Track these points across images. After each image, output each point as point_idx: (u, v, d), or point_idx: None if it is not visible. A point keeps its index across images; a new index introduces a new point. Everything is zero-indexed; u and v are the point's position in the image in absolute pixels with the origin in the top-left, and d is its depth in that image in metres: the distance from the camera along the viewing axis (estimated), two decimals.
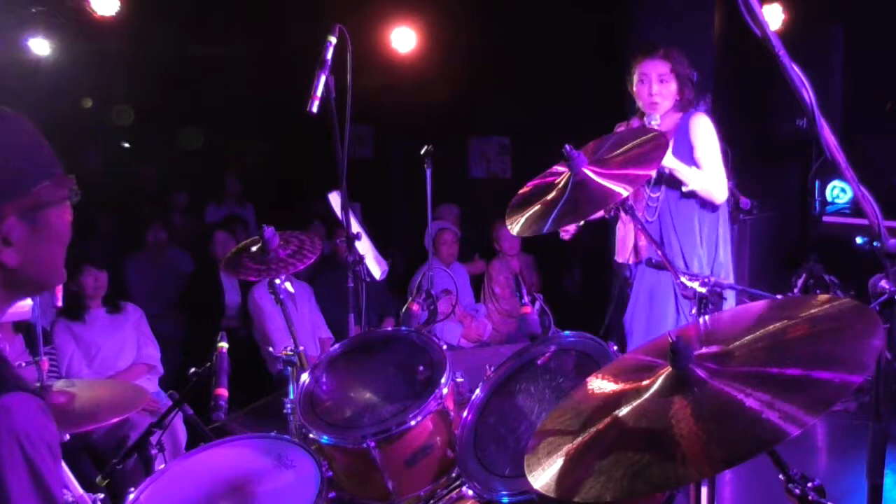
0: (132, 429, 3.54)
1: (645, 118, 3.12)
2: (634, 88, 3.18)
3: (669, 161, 3.01)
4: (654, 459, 1.15)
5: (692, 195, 3.14)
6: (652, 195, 3.18)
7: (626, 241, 3.28)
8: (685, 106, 3.20)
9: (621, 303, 3.37)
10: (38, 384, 2.55)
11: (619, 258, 3.34)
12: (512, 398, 2.05)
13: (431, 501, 2.09)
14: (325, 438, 2.07)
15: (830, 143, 1.50)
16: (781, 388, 1.14)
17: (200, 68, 6.94)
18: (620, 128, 3.24)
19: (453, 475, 2.09)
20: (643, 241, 3.22)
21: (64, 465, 2.20)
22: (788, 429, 1.06)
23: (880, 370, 1.54)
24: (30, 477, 1.04)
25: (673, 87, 3.13)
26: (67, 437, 2.40)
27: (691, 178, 3.08)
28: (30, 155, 1.16)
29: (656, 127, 3.04)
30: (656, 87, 3.11)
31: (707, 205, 3.18)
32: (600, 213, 3.25)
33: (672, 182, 3.14)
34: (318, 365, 2.31)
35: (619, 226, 3.31)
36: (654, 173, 2.95)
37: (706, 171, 3.12)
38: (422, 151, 3.02)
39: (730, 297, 2.82)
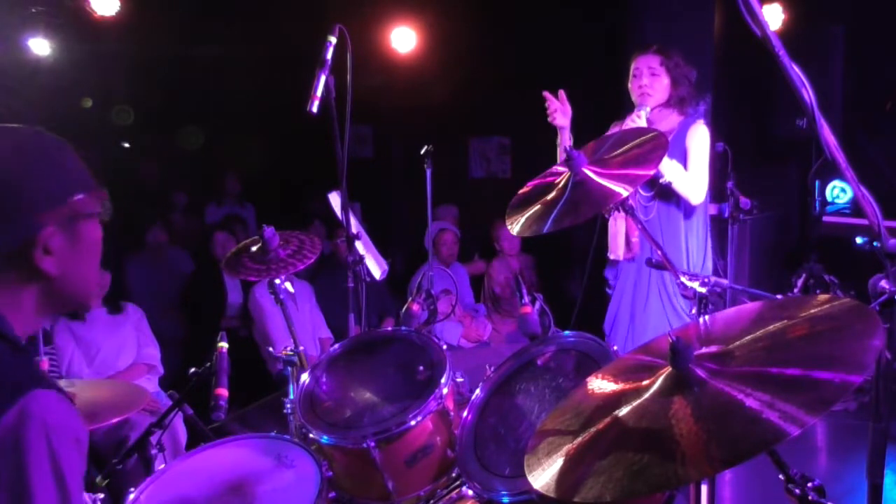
0: (132, 429, 3.53)
1: (635, 110, 3.10)
2: (630, 85, 3.20)
3: None
4: (654, 459, 1.15)
5: (673, 198, 3.14)
6: (643, 193, 3.19)
7: (618, 236, 3.28)
8: (681, 104, 3.19)
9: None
10: None
11: (612, 255, 3.35)
12: (512, 398, 2.05)
13: (431, 501, 2.09)
14: (325, 438, 2.07)
15: (830, 143, 1.50)
16: (781, 388, 1.14)
17: (200, 68, 6.93)
18: (615, 127, 3.24)
19: (453, 475, 2.09)
20: (635, 237, 3.23)
21: None
22: (788, 429, 1.06)
23: (880, 370, 1.54)
24: (52, 470, 1.06)
25: (665, 81, 3.15)
26: None
27: (668, 170, 3.06)
28: (66, 167, 1.19)
29: (645, 117, 3.06)
30: (646, 80, 3.14)
31: (689, 212, 3.18)
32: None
33: (663, 191, 3.14)
34: (318, 365, 2.31)
35: (611, 222, 3.31)
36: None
37: (689, 172, 3.12)
38: (422, 151, 3.02)
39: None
